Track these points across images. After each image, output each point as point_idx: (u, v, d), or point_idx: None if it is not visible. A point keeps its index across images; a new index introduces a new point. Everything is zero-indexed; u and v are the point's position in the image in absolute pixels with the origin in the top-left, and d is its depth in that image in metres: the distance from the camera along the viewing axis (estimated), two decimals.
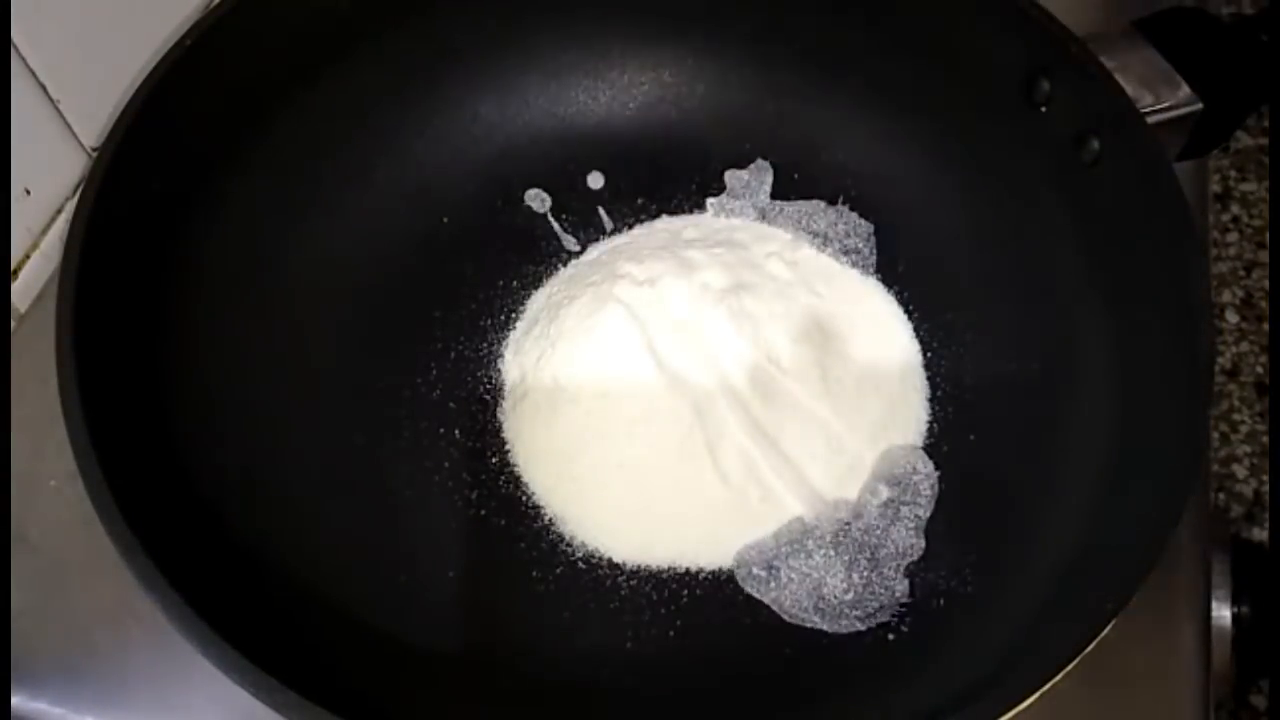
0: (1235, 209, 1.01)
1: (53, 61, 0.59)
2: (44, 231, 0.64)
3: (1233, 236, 0.98)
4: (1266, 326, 0.90)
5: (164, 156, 0.54)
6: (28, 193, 0.61)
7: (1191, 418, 0.46)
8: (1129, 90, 0.54)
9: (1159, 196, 0.50)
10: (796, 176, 0.65)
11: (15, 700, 0.51)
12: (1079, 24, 0.55)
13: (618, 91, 0.67)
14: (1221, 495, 0.83)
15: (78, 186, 0.65)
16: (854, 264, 0.62)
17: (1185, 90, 0.56)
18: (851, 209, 0.64)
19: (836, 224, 0.63)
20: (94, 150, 0.65)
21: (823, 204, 0.64)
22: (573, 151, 0.66)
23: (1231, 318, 0.95)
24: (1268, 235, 0.97)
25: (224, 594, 0.45)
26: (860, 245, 0.63)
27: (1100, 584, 0.43)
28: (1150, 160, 0.51)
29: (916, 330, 0.60)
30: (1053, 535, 0.51)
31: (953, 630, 0.52)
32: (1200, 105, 0.56)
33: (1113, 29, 0.58)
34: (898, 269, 0.62)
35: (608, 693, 0.52)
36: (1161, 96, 0.56)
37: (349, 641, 0.51)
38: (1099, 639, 0.41)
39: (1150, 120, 0.54)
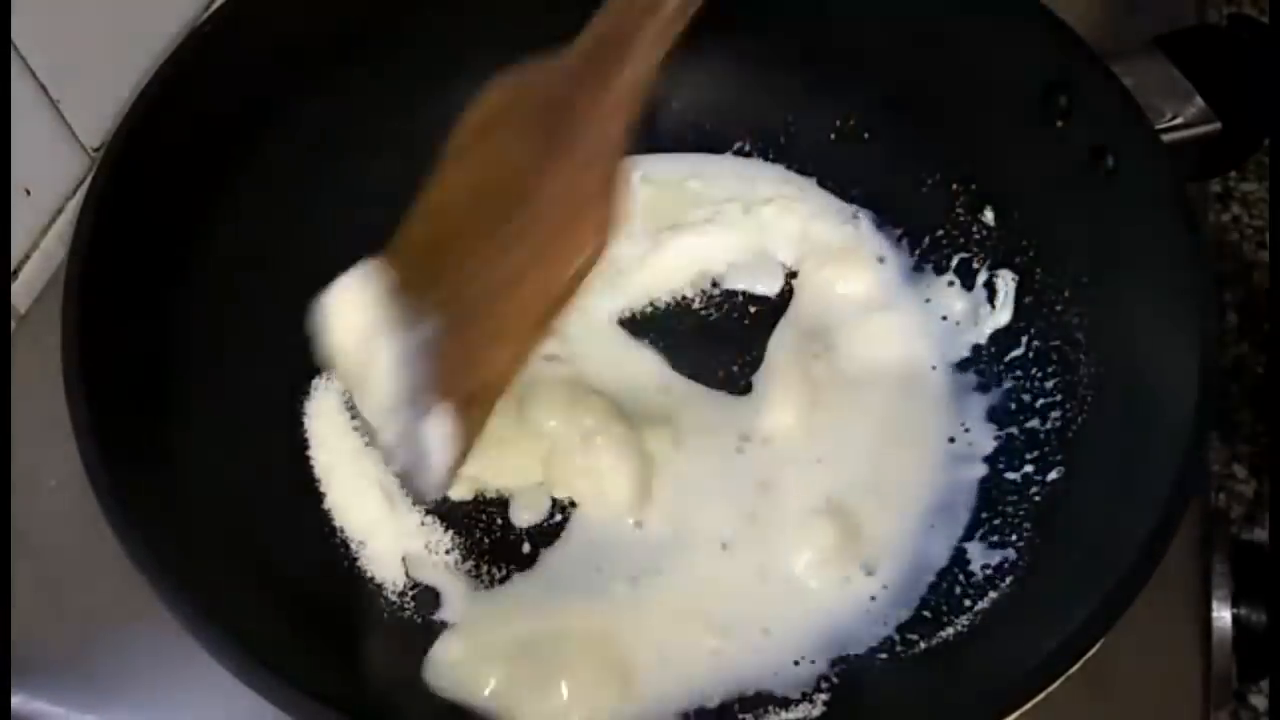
0: (1235, 209, 1.00)
1: (53, 61, 0.59)
2: (44, 231, 0.63)
3: (1233, 236, 0.97)
4: (1266, 326, 0.90)
5: (167, 158, 0.53)
6: (28, 193, 0.61)
7: (1192, 436, 0.45)
8: (1147, 107, 0.53)
9: (1170, 220, 0.50)
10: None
11: (15, 700, 0.51)
12: (1101, 38, 0.55)
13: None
14: (1221, 495, 0.83)
15: (78, 186, 0.64)
16: (868, 268, 0.62)
17: (1204, 109, 0.55)
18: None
19: (855, 231, 0.64)
20: (94, 150, 0.64)
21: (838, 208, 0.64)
22: None
23: (1231, 318, 0.95)
24: (1268, 235, 0.97)
25: (231, 596, 0.45)
26: (879, 252, 0.63)
27: (1099, 594, 0.43)
28: (1163, 183, 0.51)
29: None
30: (1054, 541, 0.52)
31: (954, 635, 0.52)
32: (1218, 125, 0.56)
33: (1135, 45, 0.58)
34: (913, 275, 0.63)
35: None
36: (1179, 114, 0.55)
37: (355, 642, 0.51)
38: (1096, 646, 0.41)
39: (1167, 138, 0.54)
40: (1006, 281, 0.60)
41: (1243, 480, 0.84)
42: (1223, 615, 0.52)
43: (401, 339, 0.45)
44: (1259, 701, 0.69)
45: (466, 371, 0.45)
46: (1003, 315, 0.59)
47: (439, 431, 0.44)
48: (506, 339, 0.45)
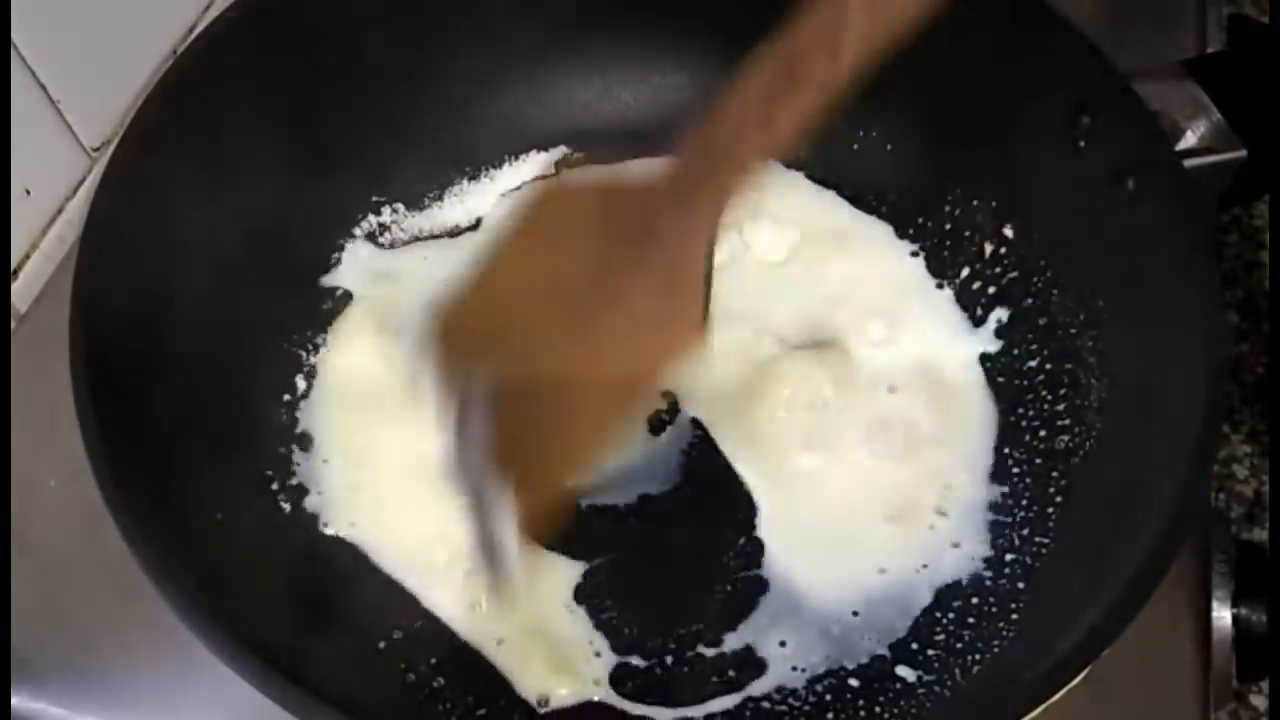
0: (1235, 209, 1.00)
1: (53, 61, 0.59)
2: (44, 231, 0.63)
3: (1233, 236, 0.97)
4: (1266, 326, 0.90)
5: (171, 162, 0.53)
6: (28, 193, 0.61)
7: (1194, 465, 0.45)
8: (1172, 131, 0.52)
9: (1187, 248, 0.49)
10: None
11: (16, 700, 0.51)
12: (1130, 60, 0.54)
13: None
14: (1221, 495, 0.83)
15: (78, 186, 0.64)
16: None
17: (1231, 136, 0.55)
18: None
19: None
20: (94, 150, 0.64)
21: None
22: None
23: (1231, 317, 0.95)
24: (1268, 235, 0.97)
25: (234, 594, 0.45)
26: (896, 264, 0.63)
27: (1097, 611, 0.43)
28: (1183, 210, 0.50)
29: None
30: (1057, 560, 0.52)
31: (954, 645, 0.52)
32: (1244, 152, 0.55)
33: (1163, 67, 0.57)
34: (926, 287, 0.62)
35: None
36: (1205, 140, 0.55)
37: (360, 642, 0.51)
38: (1089, 669, 0.41)
39: (1191, 163, 0.52)
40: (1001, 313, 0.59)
41: (1243, 480, 0.84)
42: (1223, 615, 0.52)
43: (449, 384, 0.46)
44: (1259, 701, 0.70)
45: (532, 446, 0.45)
46: (986, 341, 0.59)
47: (505, 514, 0.44)
48: (578, 424, 0.46)
